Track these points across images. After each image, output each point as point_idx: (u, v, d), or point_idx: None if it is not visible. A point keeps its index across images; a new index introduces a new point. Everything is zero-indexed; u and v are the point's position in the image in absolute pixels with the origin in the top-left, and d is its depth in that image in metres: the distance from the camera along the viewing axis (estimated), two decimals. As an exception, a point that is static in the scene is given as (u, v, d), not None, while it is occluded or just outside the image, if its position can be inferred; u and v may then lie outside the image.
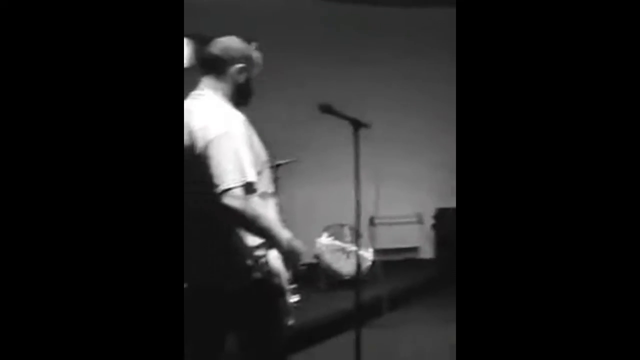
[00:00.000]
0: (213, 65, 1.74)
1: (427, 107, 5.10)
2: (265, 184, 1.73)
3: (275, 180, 2.01)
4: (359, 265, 2.22)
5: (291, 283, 1.78)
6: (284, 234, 1.66)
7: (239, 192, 1.53)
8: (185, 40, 4.69)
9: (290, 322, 1.77)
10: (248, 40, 1.81)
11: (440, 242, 5.19)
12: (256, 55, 1.81)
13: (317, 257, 4.24)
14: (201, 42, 4.52)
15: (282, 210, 1.87)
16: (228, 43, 1.76)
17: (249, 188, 1.56)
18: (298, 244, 1.70)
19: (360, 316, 2.10)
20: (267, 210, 1.69)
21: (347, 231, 4.37)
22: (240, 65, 1.74)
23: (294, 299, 1.76)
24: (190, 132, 1.63)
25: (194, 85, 1.78)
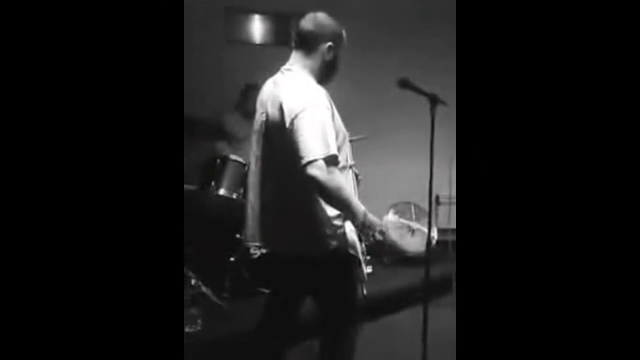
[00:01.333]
0: (305, 41, 1.78)
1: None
2: (344, 158, 1.76)
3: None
4: (429, 243, 2.20)
5: (365, 254, 1.82)
6: (361, 207, 1.69)
7: (322, 164, 1.57)
8: (258, 17, 4.78)
9: (364, 291, 1.82)
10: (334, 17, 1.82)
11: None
12: (344, 36, 1.83)
13: (382, 233, 4.25)
14: (278, 19, 4.56)
15: (359, 184, 1.90)
16: (321, 19, 1.79)
17: (332, 160, 1.61)
18: (373, 218, 1.72)
19: (427, 292, 2.09)
20: (346, 183, 1.72)
21: (412, 209, 4.35)
22: (330, 43, 1.78)
23: (368, 269, 1.81)
24: (278, 106, 1.68)
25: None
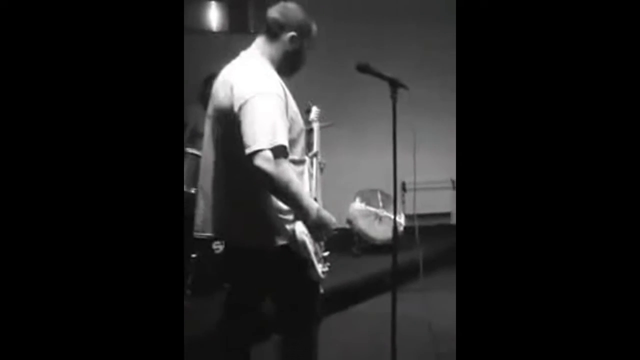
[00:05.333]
0: (269, 28, 1.74)
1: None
2: (300, 150, 1.71)
3: (310, 146, 1.97)
4: (395, 230, 2.18)
5: (323, 252, 1.77)
6: (314, 204, 1.64)
7: (269, 154, 1.50)
8: (215, 4, 4.67)
9: (321, 290, 1.77)
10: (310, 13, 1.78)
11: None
12: (314, 29, 1.78)
13: (350, 222, 4.23)
14: (237, 6, 4.45)
15: (322, 172, 1.85)
16: (288, 8, 1.75)
17: (280, 152, 1.53)
18: (327, 215, 1.68)
19: (396, 280, 2.08)
20: (299, 178, 1.66)
21: (379, 196, 4.33)
22: (293, 33, 1.72)
23: (324, 268, 1.75)
24: (229, 91, 1.61)
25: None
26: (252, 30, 4.72)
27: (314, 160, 1.92)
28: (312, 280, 1.72)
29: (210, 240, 1.87)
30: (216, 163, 1.72)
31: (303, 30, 1.75)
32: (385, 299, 2.34)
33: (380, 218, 4.26)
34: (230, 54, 1.81)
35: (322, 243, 1.78)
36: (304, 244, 1.62)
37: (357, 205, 4.25)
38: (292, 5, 1.77)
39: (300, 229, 1.62)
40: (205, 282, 3.01)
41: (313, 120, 2.08)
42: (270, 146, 1.51)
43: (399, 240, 4.11)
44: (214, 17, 4.72)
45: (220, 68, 1.78)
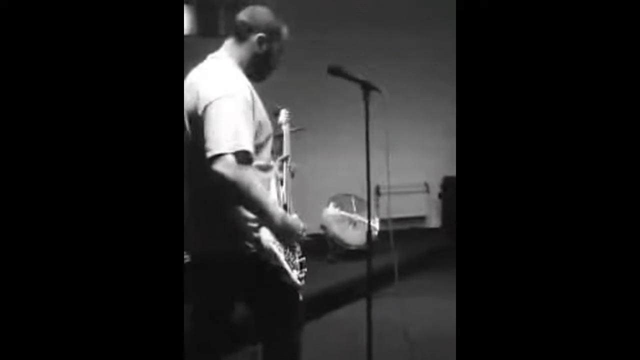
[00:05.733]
0: (237, 30, 1.71)
1: (438, 73, 4.97)
2: (266, 156, 1.67)
3: (279, 152, 1.93)
4: (369, 234, 2.15)
5: (298, 257, 1.72)
6: (278, 210, 1.60)
7: (231, 159, 1.45)
8: (186, 7, 4.60)
9: (300, 297, 1.73)
10: (281, 17, 1.76)
11: (447, 211, 5.15)
12: (284, 31, 1.75)
13: (323, 227, 4.20)
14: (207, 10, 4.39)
15: (286, 185, 1.81)
16: (256, 11, 1.72)
17: (243, 157, 1.48)
18: (293, 221, 1.64)
19: (370, 285, 2.05)
20: (264, 184, 1.62)
21: (353, 200, 4.31)
22: (261, 34, 1.69)
23: (300, 274, 1.70)
24: (195, 93, 1.56)
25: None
26: (222, 33, 4.67)
27: (284, 164, 1.88)
28: (290, 286, 1.68)
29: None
30: (185, 168, 1.67)
31: (272, 32, 1.72)
32: (360, 304, 2.31)
33: (354, 223, 4.24)
34: (201, 57, 1.77)
35: (296, 249, 1.73)
36: (271, 251, 1.57)
37: (331, 210, 4.22)
38: (260, 9, 1.74)
39: (266, 237, 1.57)
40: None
41: (282, 123, 2.04)
42: (233, 150, 1.45)
43: (374, 245, 4.10)
44: (185, 20, 4.66)
45: (189, 71, 1.74)
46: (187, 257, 1.66)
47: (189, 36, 4.60)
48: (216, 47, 1.77)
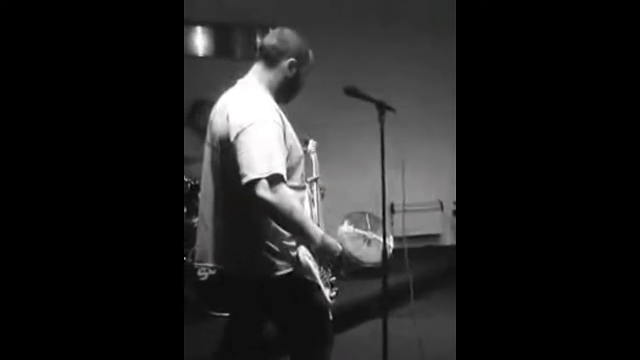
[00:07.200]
0: (267, 55, 1.72)
1: (450, 91, 4.98)
2: (299, 178, 1.70)
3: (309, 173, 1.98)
4: (385, 253, 2.15)
5: (330, 277, 1.75)
6: (318, 230, 1.62)
7: (266, 183, 1.49)
8: (200, 29, 4.69)
9: (330, 316, 1.74)
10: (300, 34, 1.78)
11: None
12: (310, 54, 1.78)
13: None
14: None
15: (318, 205, 1.83)
16: (286, 35, 1.73)
17: (277, 180, 1.51)
18: (332, 241, 1.66)
19: (386, 303, 2.05)
20: (301, 204, 1.65)
21: (367, 218, 4.32)
22: (292, 59, 1.71)
23: (331, 293, 1.73)
24: (226, 118, 1.60)
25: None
26: (238, 57, 4.75)
27: (315, 185, 1.92)
28: (321, 305, 1.70)
29: (194, 268, 1.83)
30: (216, 191, 1.70)
31: (301, 56, 1.74)
32: (375, 323, 2.30)
33: (369, 241, 4.24)
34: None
35: (328, 268, 1.76)
36: (308, 267, 1.61)
37: (346, 227, 4.23)
38: (288, 32, 1.75)
39: (303, 252, 1.61)
40: (188, 308, 2.95)
41: (311, 152, 2.10)
42: (267, 174, 1.49)
43: (388, 262, 4.09)
44: (199, 41, 4.74)
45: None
46: (204, 275, 1.68)
47: (204, 57, 4.68)
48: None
